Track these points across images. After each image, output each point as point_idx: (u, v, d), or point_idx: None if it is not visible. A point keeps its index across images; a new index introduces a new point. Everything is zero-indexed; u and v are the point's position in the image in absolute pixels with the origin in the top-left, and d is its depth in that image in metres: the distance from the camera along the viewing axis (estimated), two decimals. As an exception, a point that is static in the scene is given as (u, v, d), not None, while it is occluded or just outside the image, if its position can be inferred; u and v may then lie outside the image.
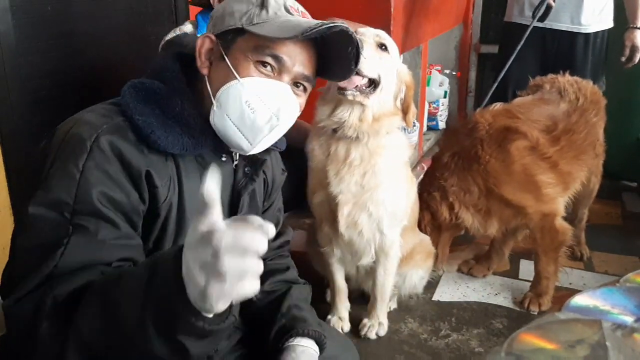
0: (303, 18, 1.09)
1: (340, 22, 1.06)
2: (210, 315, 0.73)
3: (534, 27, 2.73)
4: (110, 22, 2.06)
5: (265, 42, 1.03)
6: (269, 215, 1.35)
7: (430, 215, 2.15)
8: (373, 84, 1.64)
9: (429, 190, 2.14)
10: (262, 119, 1.04)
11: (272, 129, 1.07)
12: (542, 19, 2.66)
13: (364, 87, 1.62)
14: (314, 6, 1.14)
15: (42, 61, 1.81)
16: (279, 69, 1.06)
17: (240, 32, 1.05)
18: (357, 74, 1.57)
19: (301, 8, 1.12)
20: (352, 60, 1.13)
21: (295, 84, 1.09)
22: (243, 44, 1.05)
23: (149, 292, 0.76)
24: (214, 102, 1.05)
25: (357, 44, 1.10)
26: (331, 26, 1.02)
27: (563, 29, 2.80)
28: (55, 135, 1.00)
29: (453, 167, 2.12)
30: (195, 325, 0.72)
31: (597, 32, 2.80)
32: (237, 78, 1.03)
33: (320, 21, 1.05)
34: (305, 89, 1.12)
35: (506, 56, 2.77)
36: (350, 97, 1.61)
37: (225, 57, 1.05)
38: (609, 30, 2.88)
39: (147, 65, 1.14)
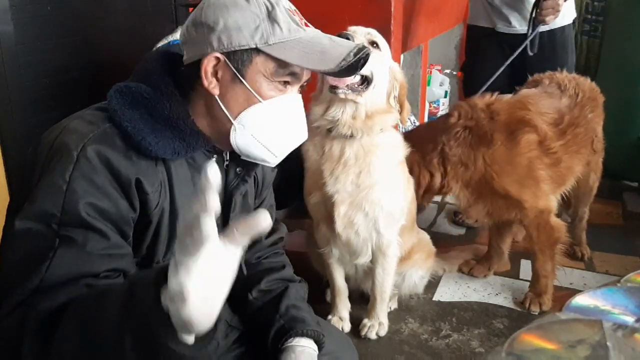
0: (314, 31, 1.07)
1: (362, 47, 1.06)
2: (192, 340, 0.72)
3: (493, 32, 2.77)
4: (110, 22, 2.06)
5: (286, 63, 1.02)
6: None
7: (427, 177, 2.10)
8: (365, 81, 1.64)
9: (430, 152, 2.09)
10: (290, 134, 1.09)
11: (296, 138, 1.11)
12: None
13: (356, 85, 1.62)
14: (315, 6, 1.14)
15: (42, 61, 1.81)
16: (293, 82, 1.06)
17: (255, 51, 1.01)
18: None
19: (293, 6, 1.08)
20: (358, 66, 1.10)
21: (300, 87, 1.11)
22: (261, 66, 1.02)
23: (127, 315, 0.74)
24: (234, 123, 1.03)
25: (367, 57, 1.08)
26: (359, 55, 1.04)
27: (518, 32, 2.72)
28: (41, 145, 0.98)
29: (462, 139, 2.08)
30: (176, 350, 0.70)
31: (553, 30, 2.70)
32: (260, 101, 1.02)
33: (350, 49, 1.04)
34: (304, 88, 1.13)
35: (472, 62, 2.90)
36: (342, 96, 1.61)
37: (243, 80, 1.02)
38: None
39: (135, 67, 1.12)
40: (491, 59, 2.71)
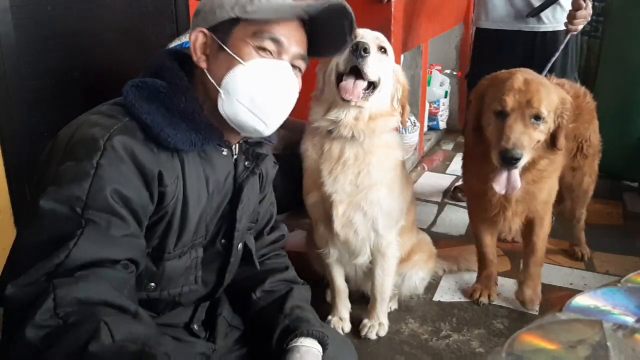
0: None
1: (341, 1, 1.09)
2: None
3: (502, 31, 2.73)
4: (110, 22, 2.05)
5: (263, 26, 1.06)
6: (263, 208, 1.36)
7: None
8: (372, 85, 1.64)
9: None
10: (273, 97, 1.09)
11: (285, 106, 1.12)
12: (539, 11, 2.62)
13: (362, 91, 1.63)
14: (315, 7, 1.14)
15: (42, 61, 1.81)
16: (278, 51, 1.09)
17: (234, 22, 1.07)
18: (362, 78, 1.59)
19: None
20: (347, 33, 1.14)
21: (292, 65, 1.12)
22: (240, 33, 1.07)
23: None
24: (220, 90, 1.06)
25: (352, 17, 1.12)
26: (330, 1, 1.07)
27: (542, 29, 2.71)
28: (60, 137, 1.00)
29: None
30: None
31: (556, 32, 2.68)
32: (241, 63, 1.06)
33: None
34: (300, 70, 1.16)
35: (478, 62, 2.86)
36: (353, 104, 1.62)
37: (225, 47, 1.07)
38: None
39: (145, 64, 1.14)
40: (503, 61, 2.69)
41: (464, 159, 2.19)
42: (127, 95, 1.03)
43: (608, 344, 0.78)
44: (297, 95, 1.15)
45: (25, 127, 1.77)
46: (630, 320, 0.90)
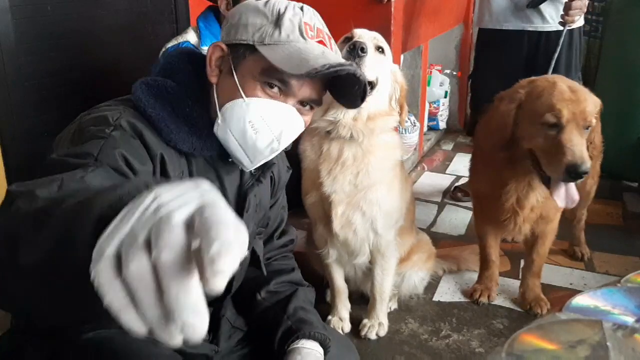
0: (315, 45, 1.05)
1: (349, 64, 1.05)
2: None
3: (506, 30, 2.73)
4: (110, 22, 2.06)
5: (272, 66, 1.01)
6: (274, 212, 1.36)
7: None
8: (370, 85, 1.65)
9: None
10: (263, 141, 1.05)
11: (273, 152, 1.08)
12: (539, 2, 2.62)
13: None
14: (315, 7, 1.13)
15: (42, 61, 1.81)
16: (286, 92, 1.05)
17: (251, 48, 1.04)
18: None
19: (318, 25, 1.09)
20: (357, 97, 1.11)
21: (302, 103, 1.08)
22: (252, 63, 1.04)
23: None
24: (218, 114, 1.05)
25: (364, 84, 1.08)
26: (337, 69, 1.01)
27: (546, 29, 2.71)
28: (65, 131, 1.00)
29: None
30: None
31: (560, 32, 2.63)
32: (242, 97, 1.03)
33: (330, 62, 1.00)
34: (312, 108, 1.12)
35: (481, 63, 2.86)
36: None
37: (234, 73, 1.05)
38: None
39: (155, 64, 1.15)
40: (508, 61, 2.67)
41: (473, 160, 2.18)
42: (135, 90, 1.04)
43: (608, 344, 0.78)
44: (297, 135, 1.10)
45: (25, 127, 1.77)
46: (630, 320, 0.90)
